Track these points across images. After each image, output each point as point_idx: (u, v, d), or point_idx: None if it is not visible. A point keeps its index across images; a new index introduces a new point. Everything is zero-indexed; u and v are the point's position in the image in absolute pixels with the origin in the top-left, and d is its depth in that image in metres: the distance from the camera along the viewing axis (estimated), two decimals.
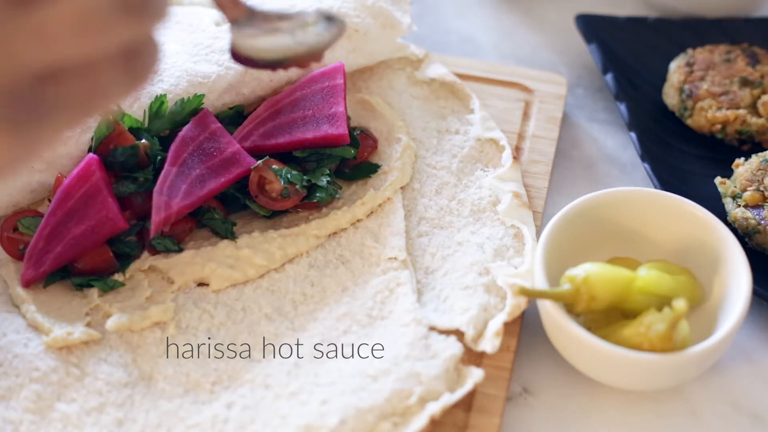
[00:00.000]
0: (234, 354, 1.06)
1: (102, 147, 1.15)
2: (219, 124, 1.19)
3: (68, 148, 1.17)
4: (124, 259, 1.14)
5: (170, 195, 1.12)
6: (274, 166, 1.16)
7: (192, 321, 1.09)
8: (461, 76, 1.37)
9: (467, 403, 1.04)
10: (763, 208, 1.17)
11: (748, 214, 1.17)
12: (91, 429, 1.00)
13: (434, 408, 1.00)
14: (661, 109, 1.38)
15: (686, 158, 1.31)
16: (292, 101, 1.23)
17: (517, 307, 1.09)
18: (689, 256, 1.12)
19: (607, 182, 1.32)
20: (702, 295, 1.09)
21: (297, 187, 1.16)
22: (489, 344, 1.05)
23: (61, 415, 1.01)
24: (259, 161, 1.16)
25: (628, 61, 1.42)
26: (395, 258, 1.14)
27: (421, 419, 0.99)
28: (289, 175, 1.16)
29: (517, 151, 1.29)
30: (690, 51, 1.39)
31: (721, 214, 1.18)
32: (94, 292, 1.11)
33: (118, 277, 1.13)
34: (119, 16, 0.63)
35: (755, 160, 1.22)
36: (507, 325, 1.09)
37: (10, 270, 1.13)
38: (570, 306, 1.03)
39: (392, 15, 1.32)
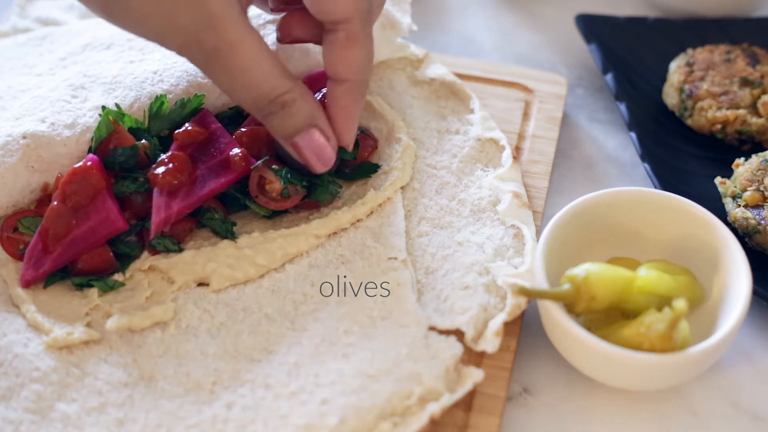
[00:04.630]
0: (234, 354, 1.06)
1: (102, 147, 1.16)
2: (219, 124, 1.19)
3: (68, 148, 1.17)
4: (124, 259, 1.14)
5: (170, 195, 1.12)
6: (274, 166, 1.16)
7: (192, 321, 1.09)
8: (461, 76, 1.37)
9: (467, 403, 1.04)
10: (763, 208, 1.17)
11: (748, 214, 1.17)
12: (92, 429, 1.00)
13: (434, 408, 1.00)
14: (661, 109, 1.38)
15: (686, 158, 1.31)
16: None
17: (517, 307, 1.09)
18: (689, 256, 1.12)
19: (607, 182, 1.32)
20: (702, 295, 1.09)
21: (297, 187, 1.16)
22: (489, 344, 1.06)
23: (61, 415, 1.01)
24: (259, 161, 1.16)
25: (628, 61, 1.42)
26: (395, 258, 1.14)
27: (421, 419, 0.99)
28: (289, 175, 1.16)
29: (517, 151, 1.29)
30: (690, 51, 1.39)
31: (721, 214, 1.18)
32: (94, 292, 1.11)
33: (118, 277, 1.13)
34: None
35: (755, 160, 1.22)
36: (507, 325, 1.09)
37: (10, 270, 1.13)
38: (570, 306, 1.03)
39: (392, 15, 1.32)
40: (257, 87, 1.04)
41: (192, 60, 1.04)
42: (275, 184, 1.16)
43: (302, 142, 1.08)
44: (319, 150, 1.09)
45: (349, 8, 1.04)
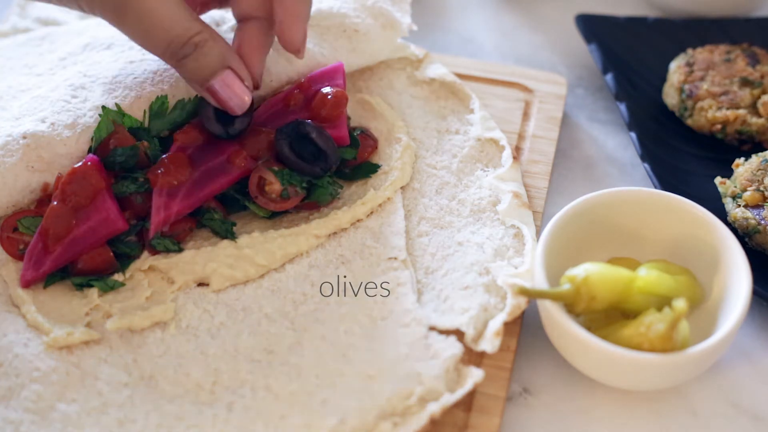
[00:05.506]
0: (234, 354, 1.06)
1: (102, 147, 1.16)
2: None
3: (68, 148, 1.17)
4: (124, 259, 1.14)
5: (170, 195, 1.12)
6: (274, 167, 1.16)
7: (192, 321, 1.09)
8: (461, 76, 1.37)
9: (467, 403, 1.04)
10: (763, 208, 1.17)
11: (748, 214, 1.17)
12: (92, 429, 1.00)
13: (434, 408, 1.00)
14: (661, 109, 1.38)
15: (686, 158, 1.31)
16: None
17: (517, 307, 1.09)
18: (689, 256, 1.12)
19: (607, 182, 1.32)
20: (702, 295, 1.09)
21: (297, 188, 1.16)
22: (489, 344, 1.06)
23: (61, 416, 1.01)
24: (259, 162, 1.16)
25: (628, 61, 1.42)
26: (395, 258, 1.14)
27: (421, 419, 0.99)
28: (289, 176, 1.16)
29: (517, 151, 1.29)
30: (690, 51, 1.39)
31: (721, 214, 1.18)
32: (94, 292, 1.11)
33: (118, 277, 1.13)
34: None
35: (755, 160, 1.22)
36: (507, 325, 1.09)
37: (10, 270, 1.13)
38: (570, 306, 1.03)
39: (392, 15, 1.32)
40: (169, 29, 1.07)
41: (103, 14, 1.07)
42: (275, 185, 1.16)
43: (218, 84, 1.10)
44: (235, 90, 1.11)
45: None
